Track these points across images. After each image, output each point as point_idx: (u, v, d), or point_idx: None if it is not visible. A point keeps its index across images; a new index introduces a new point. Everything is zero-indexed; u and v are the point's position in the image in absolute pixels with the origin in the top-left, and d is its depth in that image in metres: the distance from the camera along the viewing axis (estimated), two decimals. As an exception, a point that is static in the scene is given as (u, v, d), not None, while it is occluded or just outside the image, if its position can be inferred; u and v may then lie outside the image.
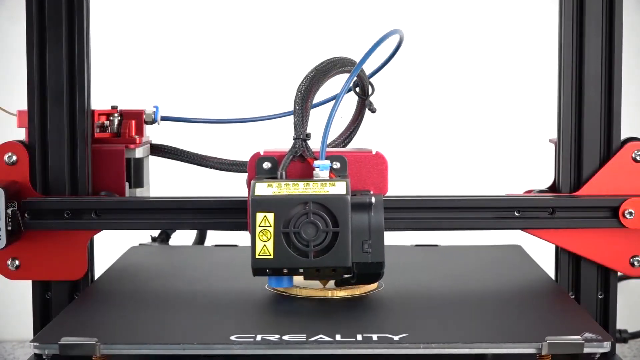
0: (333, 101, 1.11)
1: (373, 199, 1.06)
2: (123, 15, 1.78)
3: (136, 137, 1.23)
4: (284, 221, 1.04)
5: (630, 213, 1.14)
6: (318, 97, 1.16)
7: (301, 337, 0.98)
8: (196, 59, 1.78)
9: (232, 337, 0.98)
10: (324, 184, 1.06)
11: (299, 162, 1.11)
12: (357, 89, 1.20)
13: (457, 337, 0.99)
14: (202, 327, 1.03)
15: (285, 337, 0.98)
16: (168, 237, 1.51)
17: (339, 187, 1.05)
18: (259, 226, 1.04)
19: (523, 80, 1.77)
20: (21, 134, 1.19)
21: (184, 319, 1.06)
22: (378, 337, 0.98)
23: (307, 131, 1.11)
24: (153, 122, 1.26)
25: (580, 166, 1.17)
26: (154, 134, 1.30)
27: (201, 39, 1.78)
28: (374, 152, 1.12)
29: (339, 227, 1.04)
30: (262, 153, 1.11)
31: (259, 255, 1.04)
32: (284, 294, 1.14)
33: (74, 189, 1.17)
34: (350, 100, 1.22)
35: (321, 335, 0.99)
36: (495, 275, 1.24)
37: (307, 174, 1.10)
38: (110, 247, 1.36)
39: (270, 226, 1.04)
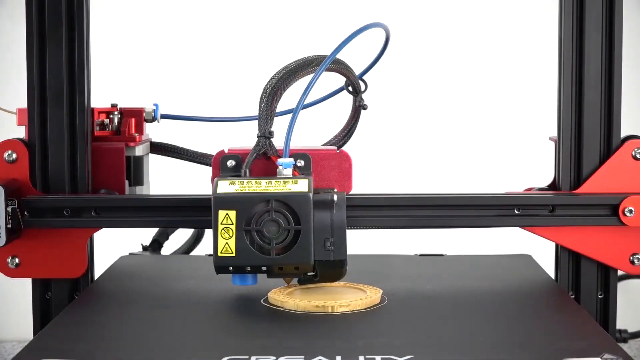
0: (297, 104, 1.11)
1: (335, 197, 1.06)
2: (123, 14, 1.78)
3: (136, 135, 1.23)
4: (246, 219, 1.04)
5: (630, 211, 1.14)
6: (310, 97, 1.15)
7: (299, 359, 0.94)
8: (196, 57, 1.78)
9: (224, 359, 0.93)
10: (287, 182, 1.05)
11: (263, 160, 1.11)
12: (350, 88, 1.20)
13: (466, 359, 0.94)
14: (193, 347, 0.97)
15: None
16: (160, 246, 1.47)
17: (301, 185, 1.05)
18: (221, 224, 1.04)
19: (523, 78, 1.77)
20: (21, 132, 1.19)
21: (172, 339, 1.01)
22: (382, 359, 0.94)
23: (271, 129, 1.11)
24: (153, 120, 1.26)
25: (580, 164, 1.17)
26: (154, 132, 1.30)
27: (201, 38, 1.78)
28: (338, 151, 1.12)
29: (300, 225, 1.04)
30: (226, 151, 1.11)
31: (221, 252, 1.04)
32: (281, 309, 1.09)
33: (73, 187, 1.17)
34: (347, 101, 1.21)
35: (320, 358, 0.94)
36: (505, 289, 1.19)
37: (271, 172, 1.10)
38: (104, 253, 1.34)
39: (232, 224, 1.04)
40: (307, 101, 1.14)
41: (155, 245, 1.47)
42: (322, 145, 1.19)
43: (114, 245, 1.41)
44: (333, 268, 1.06)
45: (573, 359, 0.92)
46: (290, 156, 1.09)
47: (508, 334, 1.02)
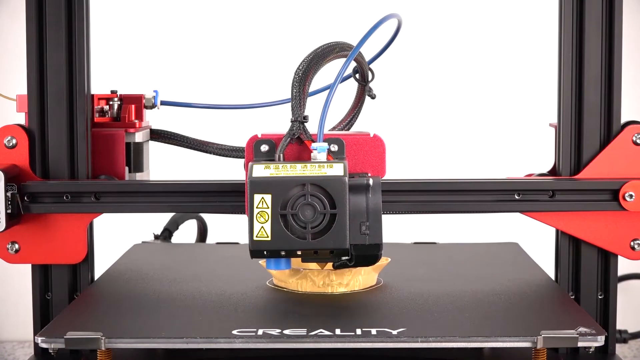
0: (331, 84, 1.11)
1: (371, 181, 1.06)
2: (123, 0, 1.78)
3: (136, 121, 1.23)
4: (282, 203, 1.04)
5: (631, 196, 1.14)
6: (317, 83, 1.16)
7: (302, 332, 0.99)
8: (196, 44, 1.77)
9: (234, 332, 0.99)
10: (322, 166, 1.05)
11: (296, 145, 1.11)
12: (357, 75, 1.20)
13: (454, 331, 1.00)
14: (205, 322, 1.04)
15: (286, 332, 0.99)
16: (170, 234, 1.52)
17: (337, 169, 1.05)
18: (257, 208, 1.04)
19: (523, 64, 1.76)
20: (21, 119, 1.19)
21: (186, 315, 1.07)
22: (377, 331, 1.00)
23: (305, 114, 1.11)
24: (153, 106, 1.26)
25: (580, 150, 1.17)
26: (154, 119, 1.30)
27: (201, 24, 1.78)
28: (371, 135, 1.12)
29: (336, 209, 1.04)
30: (259, 136, 1.11)
31: (256, 237, 1.04)
32: (285, 289, 1.16)
33: (73, 173, 1.17)
34: (351, 87, 1.21)
35: (321, 330, 1.00)
36: (492, 273, 1.25)
37: (304, 157, 1.10)
38: (115, 244, 1.37)
39: (268, 208, 1.04)
40: (316, 88, 1.16)
41: (166, 233, 1.52)
42: (329, 130, 1.20)
43: (112, 244, 1.42)
44: (368, 252, 1.06)
45: (550, 332, 0.98)
46: (324, 141, 1.09)
47: (492, 310, 1.08)
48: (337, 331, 0.99)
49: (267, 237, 1.04)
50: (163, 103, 1.28)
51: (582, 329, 0.99)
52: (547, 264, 1.26)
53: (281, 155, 1.09)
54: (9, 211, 1.12)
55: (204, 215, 1.58)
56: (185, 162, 1.46)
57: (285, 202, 1.04)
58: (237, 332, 0.99)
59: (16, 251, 1.17)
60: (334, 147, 1.10)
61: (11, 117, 1.21)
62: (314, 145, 1.08)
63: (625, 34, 1.17)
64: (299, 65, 1.11)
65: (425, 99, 1.78)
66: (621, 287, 1.23)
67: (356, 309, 1.09)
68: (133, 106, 1.24)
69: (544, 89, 1.44)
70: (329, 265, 1.16)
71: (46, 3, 1.16)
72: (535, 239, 1.42)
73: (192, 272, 1.25)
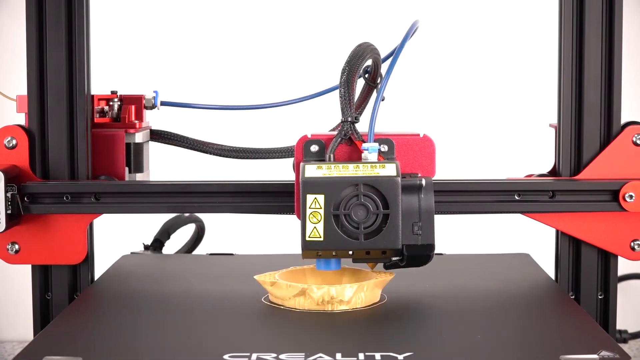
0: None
1: (424, 181, 1.05)
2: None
3: (136, 122, 1.23)
4: (335, 203, 1.03)
5: (631, 196, 1.14)
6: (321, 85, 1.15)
7: (299, 356, 0.93)
8: (196, 45, 1.77)
9: (226, 356, 0.93)
10: (374, 166, 1.05)
11: (346, 146, 1.10)
12: (367, 76, 1.19)
13: (465, 355, 0.95)
14: (194, 345, 0.98)
15: (282, 357, 0.93)
16: (162, 245, 1.48)
17: (389, 169, 1.04)
18: (309, 208, 1.03)
19: (523, 65, 1.76)
20: (21, 120, 1.19)
21: (174, 335, 1.01)
22: (381, 356, 0.93)
23: (356, 114, 1.10)
24: (153, 107, 1.26)
25: (581, 150, 1.17)
26: (154, 120, 1.30)
27: (202, 25, 1.78)
28: (421, 135, 1.12)
29: (389, 209, 1.03)
30: (309, 136, 1.10)
31: (309, 237, 1.03)
32: (282, 307, 1.09)
33: (73, 174, 1.17)
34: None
35: (321, 354, 0.93)
36: (504, 288, 1.19)
37: (354, 158, 1.10)
38: (106, 253, 1.34)
39: (321, 208, 1.03)
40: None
41: (157, 244, 1.47)
42: (330, 130, 1.19)
43: (114, 245, 1.41)
44: (420, 252, 1.06)
45: (570, 356, 0.92)
46: (374, 141, 1.09)
47: (506, 332, 1.02)
48: (338, 356, 0.93)
49: (320, 237, 1.03)
50: (163, 103, 1.28)
51: (604, 353, 0.93)
52: (550, 265, 1.25)
53: (332, 155, 1.09)
54: (9, 212, 1.12)
55: (202, 216, 1.56)
56: (185, 163, 1.46)
57: (338, 203, 1.03)
58: (229, 356, 0.93)
59: (16, 252, 1.17)
60: (384, 148, 1.10)
61: (11, 117, 1.21)
62: (364, 145, 1.08)
63: (625, 34, 1.17)
64: (344, 67, 1.11)
65: (426, 99, 1.78)
66: (621, 287, 1.23)
67: (358, 330, 1.03)
68: (133, 107, 1.24)
69: (544, 90, 1.44)
70: (335, 279, 1.13)
71: (46, 3, 1.16)
72: (544, 245, 1.40)
73: (182, 288, 1.18)
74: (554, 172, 1.21)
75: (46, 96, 1.16)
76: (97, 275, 1.23)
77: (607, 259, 1.18)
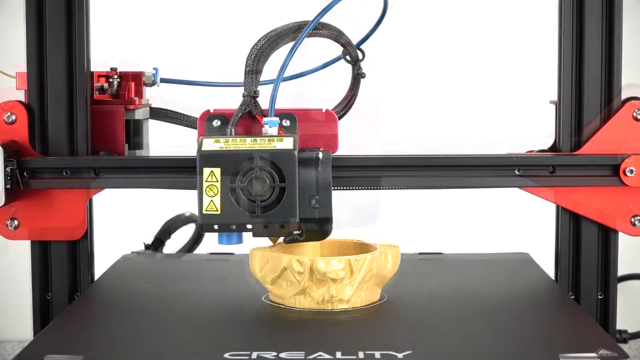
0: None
1: (320, 155, 1.06)
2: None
3: (135, 98, 1.23)
4: (231, 176, 1.04)
5: (631, 171, 1.13)
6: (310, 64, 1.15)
7: (299, 355, 0.93)
8: (196, 20, 1.77)
9: (226, 355, 0.93)
10: (272, 140, 1.06)
11: (249, 120, 1.11)
12: (347, 57, 1.19)
13: (465, 354, 0.95)
14: (195, 343, 0.98)
15: (283, 355, 0.93)
16: (162, 244, 1.48)
17: (287, 143, 1.05)
18: (206, 181, 1.04)
19: (523, 41, 1.76)
20: (21, 97, 1.19)
21: (175, 334, 1.02)
22: (381, 354, 0.93)
23: (256, 88, 1.11)
24: (153, 84, 1.26)
25: (581, 126, 1.17)
26: (154, 99, 1.29)
27: (203, 1, 1.77)
28: (324, 110, 1.12)
29: (286, 183, 1.04)
30: (211, 111, 1.11)
31: (206, 210, 1.04)
32: (282, 306, 1.10)
33: (72, 150, 1.17)
34: (347, 70, 1.21)
35: (320, 353, 0.94)
36: (503, 287, 1.20)
37: (257, 133, 1.11)
38: (108, 250, 1.33)
39: (217, 181, 1.04)
40: (306, 69, 1.16)
41: (157, 243, 1.47)
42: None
43: (114, 245, 1.41)
44: (319, 226, 1.06)
45: (570, 354, 0.92)
46: (276, 116, 1.10)
47: (506, 332, 1.02)
48: (338, 354, 0.93)
49: (217, 210, 1.04)
50: (163, 80, 1.28)
51: (603, 352, 0.93)
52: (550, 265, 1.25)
53: (233, 129, 1.09)
54: (8, 187, 1.12)
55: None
56: (185, 141, 1.45)
57: (235, 176, 1.04)
58: (230, 355, 0.93)
59: (15, 227, 1.17)
60: (286, 122, 1.11)
61: (11, 95, 1.21)
62: (265, 119, 1.09)
63: (626, 9, 1.16)
64: (255, 43, 1.12)
65: (424, 74, 1.77)
66: (621, 287, 1.22)
67: (358, 328, 1.03)
68: (133, 83, 1.24)
69: (545, 68, 1.43)
70: (322, 271, 1.11)
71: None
72: (544, 245, 1.39)
73: (182, 288, 1.19)
74: (554, 149, 1.20)
75: (45, 71, 1.16)
76: (97, 275, 1.23)
77: (607, 259, 1.18)
